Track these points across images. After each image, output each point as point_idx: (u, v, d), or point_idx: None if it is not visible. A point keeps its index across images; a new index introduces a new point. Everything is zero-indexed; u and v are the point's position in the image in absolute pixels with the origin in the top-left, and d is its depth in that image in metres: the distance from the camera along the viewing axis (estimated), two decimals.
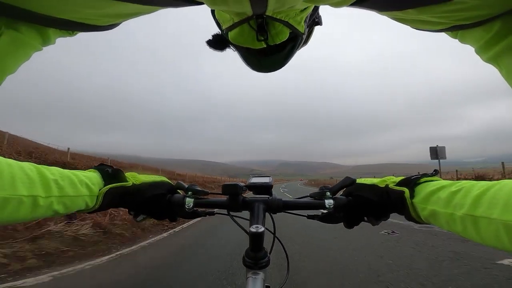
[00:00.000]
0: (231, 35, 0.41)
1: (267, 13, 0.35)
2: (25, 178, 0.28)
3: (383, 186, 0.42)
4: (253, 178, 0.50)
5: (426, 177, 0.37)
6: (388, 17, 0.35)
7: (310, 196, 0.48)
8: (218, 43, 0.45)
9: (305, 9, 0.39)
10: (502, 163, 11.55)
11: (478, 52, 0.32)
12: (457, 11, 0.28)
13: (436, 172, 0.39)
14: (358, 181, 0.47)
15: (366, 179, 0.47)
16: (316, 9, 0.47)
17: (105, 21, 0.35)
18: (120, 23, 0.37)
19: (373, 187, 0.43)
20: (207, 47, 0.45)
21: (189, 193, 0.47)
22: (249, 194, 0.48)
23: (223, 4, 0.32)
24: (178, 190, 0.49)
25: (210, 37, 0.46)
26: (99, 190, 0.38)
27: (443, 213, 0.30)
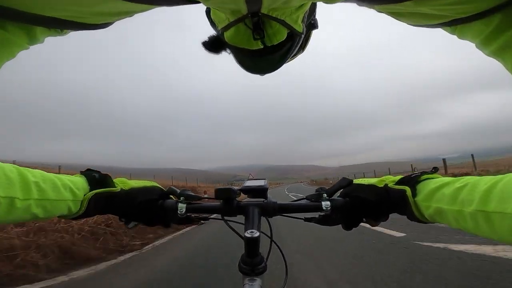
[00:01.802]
0: (227, 35, 0.41)
1: (262, 11, 0.36)
2: (4, 179, 0.28)
3: (382, 186, 0.42)
4: (248, 181, 0.50)
5: (426, 174, 0.38)
6: (384, 12, 0.35)
7: (307, 198, 0.48)
8: (214, 45, 0.45)
9: (301, 6, 0.39)
10: (472, 155, 13.24)
11: (479, 47, 0.32)
12: (456, 3, 0.29)
13: (436, 169, 0.39)
14: (356, 181, 0.47)
15: (364, 179, 0.47)
16: (313, 9, 0.47)
17: (96, 19, 0.34)
18: (113, 22, 0.37)
19: (371, 187, 0.43)
20: (203, 49, 0.45)
21: (182, 198, 0.46)
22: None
23: (218, 1, 0.34)
24: (171, 196, 0.49)
25: (206, 39, 0.45)
26: (84, 195, 0.37)
27: (450, 210, 0.30)
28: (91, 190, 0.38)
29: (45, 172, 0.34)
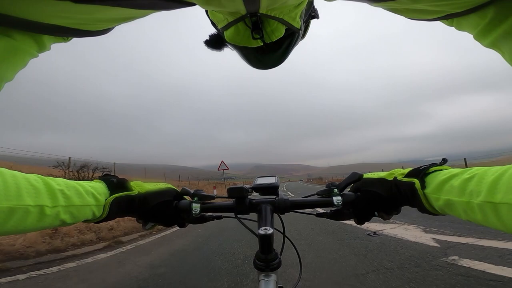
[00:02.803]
0: (226, 34, 0.42)
1: (260, 11, 0.37)
2: (31, 189, 0.31)
3: (391, 179, 0.42)
4: (259, 179, 0.52)
5: (435, 166, 0.38)
6: (382, 7, 0.36)
7: (318, 194, 0.49)
8: (215, 42, 0.48)
9: (299, 4, 0.40)
10: (465, 159, 13.73)
11: (476, 38, 0.33)
12: None
13: (444, 161, 0.39)
14: (365, 176, 0.48)
15: (373, 173, 0.48)
16: (311, 3, 0.49)
17: (98, 26, 0.36)
18: (113, 27, 0.38)
19: (381, 180, 0.44)
20: (205, 47, 0.48)
21: (195, 198, 0.49)
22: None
23: (217, 4, 0.34)
24: (185, 196, 0.51)
25: (208, 37, 0.48)
26: (105, 199, 0.40)
27: (459, 202, 0.30)
28: (111, 194, 0.41)
29: (67, 180, 0.37)
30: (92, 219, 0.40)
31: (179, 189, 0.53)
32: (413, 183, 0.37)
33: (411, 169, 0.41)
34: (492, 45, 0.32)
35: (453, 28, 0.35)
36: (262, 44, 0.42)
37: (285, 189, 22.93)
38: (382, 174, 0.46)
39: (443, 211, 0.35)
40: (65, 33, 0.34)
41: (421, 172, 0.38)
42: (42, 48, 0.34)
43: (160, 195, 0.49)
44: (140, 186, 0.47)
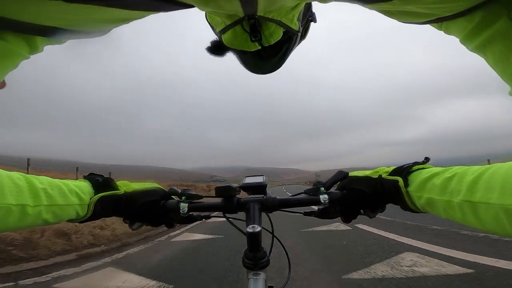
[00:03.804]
0: (224, 38, 0.43)
1: (258, 13, 0.37)
2: (13, 187, 0.30)
3: (376, 177, 0.43)
4: (247, 178, 0.53)
5: (418, 164, 0.39)
6: (375, 10, 0.37)
7: (305, 192, 0.50)
8: (217, 48, 0.48)
9: (296, 6, 0.41)
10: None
11: (463, 42, 0.34)
12: (441, 2, 0.30)
13: (427, 160, 0.40)
14: (351, 174, 0.49)
15: (359, 171, 0.49)
16: (309, 6, 0.50)
17: (93, 27, 0.36)
18: (110, 29, 0.38)
19: (366, 179, 0.45)
20: (208, 54, 0.48)
21: (183, 198, 0.49)
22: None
23: (215, 6, 0.34)
24: (172, 196, 0.52)
25: (209, 44, 0.48)
26: (90, 199, 0.40)
27: (439, 200, 0.31)
28: (96, 194, 0.41)
29: (51, 178, 0.37)
30: (76, 218, 0.40)
31: (167, 189, 0.53)
32: (397, 181, 0.38)
33: (395, 167, 0.42)
34: (477, 50, 0.33)
35: (442, 32, 0.37)
36: (260, 47, 0.43)
37: (284, 190, 24.96)
38: (367, 172, 0.47)
39: (425, 209, 0.36)
40: (59, 34, 0.34)
41: (405, 170, 0.39)
42: (34, 49, 0.34)
43: (147, 194, 0.49)
44: (126, 185, 0.47)
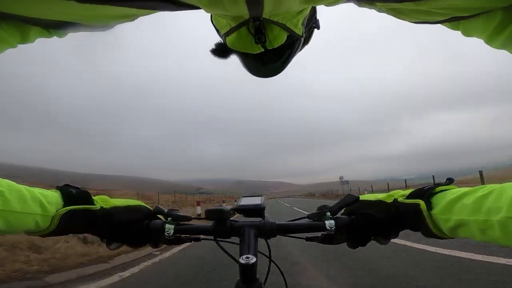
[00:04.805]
0: (229, 40, 0.43)
1: (263, 16, 0.37)
2: None
3: (391, 201, 0.42)
4: (243, 199, 0.49)
5: (441, 186, 0.37)
6: (385, 12, 0.37)
7: (308, 217, 0.47)
8: (221, 51, 0.48)
9: (301, 11, 0.41)
10: (433, 176, 15.27)
11: (487, 42, 0.34)
12: (457, 2, 0.30)
13: (451, 181, 0.38)
14: (362, 197, 0.47)
15: (370, 195, 0.47)
16: (314, 12, 0.51)
17: (100, 22, 0.36)
18: (115, 24, 0.38)
19: (379, 203, 0.43)
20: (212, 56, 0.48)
21: (169, 219, 0.46)
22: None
23: (221, 8, 0.34)
24: (158, 215, 0.49)
25: (213, 46, 0.48)
26: (57, 211, 0.37)
27: (473, 221, 0.29)
28: (65, 206, 0.38)
29: (14, 183, 0.33)
30: (35, 230, 0.36)
31: (152, 208, 0.50)
32: (418, 205, 0.36)
33: (413, 190, 0.40)
34: (503, 46, 0.33)
35: (459, 32, 0.36)
36: (263, 50, 0.44)
37: (281, 201, 25.73)
38: (379, 196, 0.45)
39: (454, 233, 0.34)
40: (63, 28, 0.35)
41: (426, 193, 0.37)
42: (25, 40, 0.34)
43: (129, 212, 0.46)
44: (105, 201, 0.45)
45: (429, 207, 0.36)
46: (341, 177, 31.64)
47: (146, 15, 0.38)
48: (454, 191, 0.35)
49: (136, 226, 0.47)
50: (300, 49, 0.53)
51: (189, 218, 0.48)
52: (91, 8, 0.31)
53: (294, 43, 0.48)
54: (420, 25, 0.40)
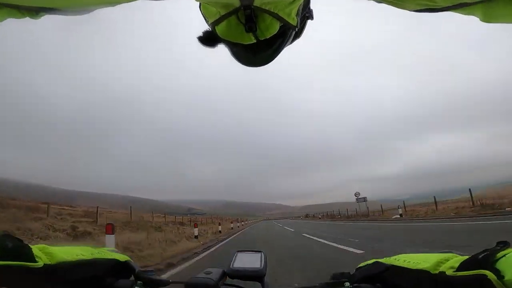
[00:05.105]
0: (218, 29, 0.42)
1: (255, 4, 0.37)
2: None
3: (436, 272, 0.35)
4: (238, 256, 0.44)
5: (502, 249, 0.31)
6: (384, 1, 0.36)
7: (322, 286, 0.42)
8: (209, 39, 0.46)
9: (295, 0, 0.40)
10: (434, 197, 16.23)
11: None
12: None
13: (506, 244, 0.32)
14: (393, 262, 0.40)
15: (406, 255, 0.40)
16: (307, 2, 0.49)
17: (79, 5, 0.35)
18: (95, 9, 0.37)
19: (419, 273, 0.36)
20: (199, 44, 0.46)
21: (139, 282, 0.40)
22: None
23: None
24: (127, 270, 0.42)
25: (201, 34, 0.46)
26: None
27: None
28: None
29: None
30: None
31: (120, 255, 0.43)
32: (484, 276, 0.30)
33: (461, 258, 0.34)
34: None
35: (475, 18, 0.34)
36: (254, 40, 0.42)
37: (280, 225, 23.01)
38: (420, 264, 0.37)
39: None
40: (36, 8, 0.33)
41: (488, 259, 0.31)
42: None
43: (82, 268, 0.39)
44: (48, 254, 0.37)
45: (499, 276, 0.30)
46: (357, 193, 26.31)
47: (130, 1, 0.38)
48: None
49: (93, 286, 0.39)
50: (292, 41, 0.51)
51: (166, 283, 0.41)
52: None
53: (286, 32, 0.45)
54: (422, 13, 0.38)
